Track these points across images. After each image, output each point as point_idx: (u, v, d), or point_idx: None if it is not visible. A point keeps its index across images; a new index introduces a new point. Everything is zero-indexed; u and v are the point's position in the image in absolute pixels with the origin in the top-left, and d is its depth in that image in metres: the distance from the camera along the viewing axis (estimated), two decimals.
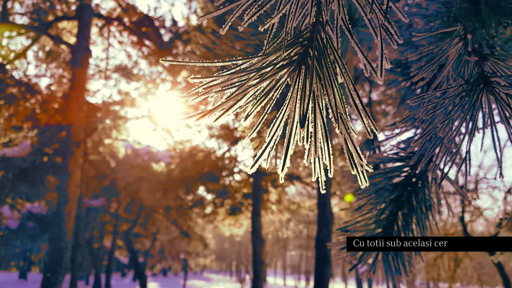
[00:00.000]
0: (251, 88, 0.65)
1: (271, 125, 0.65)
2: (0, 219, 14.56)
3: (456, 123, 1.09)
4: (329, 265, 10.51)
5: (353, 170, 0.60)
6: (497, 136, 1.01)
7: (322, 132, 0.61)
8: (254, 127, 0.62)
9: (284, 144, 0.61)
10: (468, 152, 1.06)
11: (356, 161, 0.61)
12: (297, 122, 0.62)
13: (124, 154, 15.33)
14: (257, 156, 0.61)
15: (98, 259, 18.53)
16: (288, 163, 0.61)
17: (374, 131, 0.62)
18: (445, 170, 1.21)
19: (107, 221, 18.97)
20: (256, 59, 0.67)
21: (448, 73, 1.21)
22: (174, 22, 14.15)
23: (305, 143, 0.61)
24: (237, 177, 18.51)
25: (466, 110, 1.07)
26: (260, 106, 0.63)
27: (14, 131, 12.21)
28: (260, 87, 0.66)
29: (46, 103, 12.25)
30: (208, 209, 19.01)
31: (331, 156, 0.61)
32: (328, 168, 0.61)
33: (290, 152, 0.60)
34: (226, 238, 47.74)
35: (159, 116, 15.90)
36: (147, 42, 13.89)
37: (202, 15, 0.67)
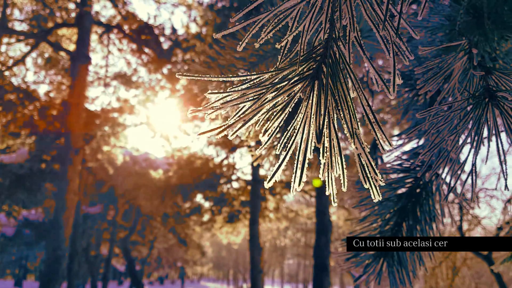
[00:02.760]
0: (267, 103, 0.66)
1: (285, 140, 0.66)
2: None
3: (462, 136, 1.10)
4: (328, 273, 10.47)
5: (366, 183, 0.61)
6: (503, 149, 1.02)
7: (336, 147, 0.62)
8: (265, 142, 0.63)
9: (300, 158, 0.62)
10: (474, 164, 1.08)
11: (370, 176, 0.62)
12: (313, 137, 0.62)
13: (122, 161, 15.30)
14: (272, 172, 0.62)
15: (94, 267, 18.38)
16: (304, 178, 0.62)
17: (388, 147, 0.63)
18: (451, 182, 1.22)
19: (104, 228, 18.86)
20: (269, 74, 0.68)
21: (454, 86, 1.23)
22: (174, 30, 14.23)
23: (321, 158, 0.62)
24: (235, 184, 18.49)
25: (472, 123, 1.08)
26: (278, 121, 0.64)
27: (11, 137, 12.18)
28: (276, 102, 0.67)
29: (44, 109, 12.24)
30: (206, 217, 18.94)
31: (345, 171, 0.62)
32: (342, 181, 0.62)
33: (306, 166, 0.62)
34: (223, 246, 47.50)
35: (157, 123, 15.91)
36: (146, 50, 13.95)
37: (218, 32, 0.68)
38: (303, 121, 0.64)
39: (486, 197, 10.63)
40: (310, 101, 0.65)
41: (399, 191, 1.59)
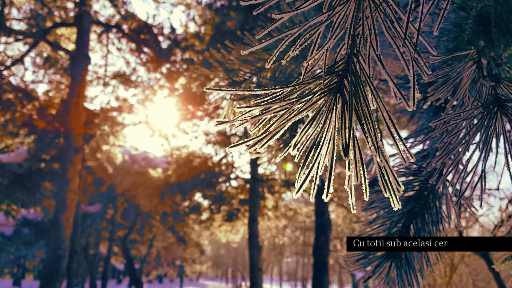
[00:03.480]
0: (293, 117, 0.69)
1: (308, 154, 0.69)
2: None
3: (472, 145, 1.13)
4: (327, 272, 10.52)
5: (387, 193, 0.64)
6: (511, 155, 1.06)
7: (359, 159, 0.65)
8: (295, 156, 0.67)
9: (328, 171, 0.65)
10: (483, 171, 1.11)
11: (392, 186, 0.65)
12: (341, 151, 0.65)
13: (122, 160, 15.31)
14: (300, 182, 0.64)
15: (94, 265, 18.39)
16: (331, 189, 0.65)
17: (412, 159, 0.66)
18: (461, 188, 1.25)
19: (103, 227, 18.86)
20: (291, 88, 0.71)
21: (463, 94, 1.26)
22: (173, 30, 14.22)
23: (347, 170, 0.65)
24: (234, 183, 18.51)
25: (482, 132, 1.11)
26: (306, 135, 0.67)
27: (10, 137, 12.16)
28: (301, 115, 0.69)
29: (43, 109, 12.22)
30: (205, 215, 18.96)
31: (367, 181, 0.65)
32: (364, 192, 0.65)
33: (332, 177, 0.64)
34: (222, 244, 47.54)
35: (156, 122, 15.90)
36: (145, 49, 13.94)
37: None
38: (328, 134, 0.67)
39: (484, 195, 10.68)
40: (333, 115, 0.68)
41: (407, 194, 1.62)
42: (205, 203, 18.52)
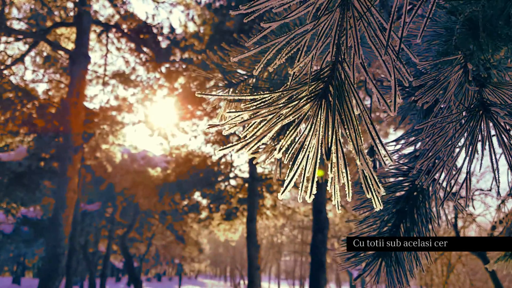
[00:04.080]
0: (280, 121, 0.73)
1: (295, 157, 0.72)
2: None
3: (457, 147, 1.17)
4: (324, 270, 10.56)
5: (369, 194, 0.68)
6: (495, 159, 1.09)
7: (342, 162, 0.68)
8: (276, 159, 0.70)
9: (309, 173, 0.69)
10: (468, 172, 1.15)
11: (373, 188, 0.68)
12: (323, 154, 0.69)
13: (121, 159, 15.34)
14: (285, 184, 0.68)
15: (93, 264, 18.42)
16: (314, 191, 0.68)
17: (390, 162, 0.70)
18: (447, 187, 1.29)
19: (102, 225, 18.88)
20: (279, 93, 0.75)
21: (450, 98, 1.30)
22: (172, 29, 14.24)
23: (329, 172, 0.68)
24: (233, 182, 18.56)
25: (467, 135, 1.15)
26: (291, 138, 0.70)
27: (10, 135, 12.18)
28: (287, 121, 0.73)
29: (43, 108, 12.25)
30: (204, 214, 19.00)
31: (349, 183, 0.69)
32: (347, 192, 0.69)
33: (315, 180, 0.68)
34: (220, 243, 47.62)
35: (155, 121, 15.92)
36: (145, 49, 13.96)
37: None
38: (313, 138, 0.71)
39: (481, 195, 10.74)
40: (319, 119, 0.71)
41: (397, 194, 1.66)
42: (204, 202, 18.58)
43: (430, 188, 1.59)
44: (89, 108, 13.40)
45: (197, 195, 18.32)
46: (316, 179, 0.68)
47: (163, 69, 14.53)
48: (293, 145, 0.72)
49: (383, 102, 0.74)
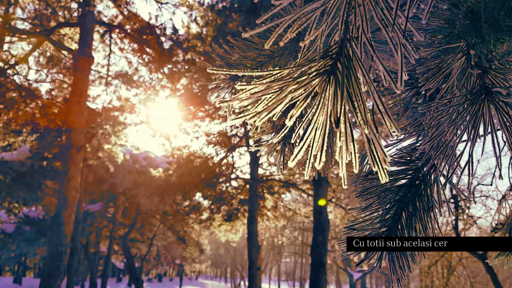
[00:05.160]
0: (290, 94, 0.76)
1: (307, 127, 0.75)
2: None
3: (459, 130, 1.20)
4: (325, 271, 10.55)
5: (375, 166, 0.70)
6: (497, 141, 1.12)
7: (349, 132, 0.72)
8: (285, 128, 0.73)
9: (320, 141, 0.72)
10: (470, 155, 1.17)
11: (379, 158, 0.71)
12: (333, 123, 0.72)
13: (123, 159, 15.38)
14: (295, 153, 0.71)
15: (94, 264, 18.43)
16: (323, 158, 0.71)
17: (397, 132, 0.73)
18: (449, 172, 1.32)
19: (104, 225, 18.89)
20: (289, 69, 0.78)
21: (453, 84, 1.33)
22: (175, 30, 14.30)
23: (337, 141, 0.71)
24: (234, 183, 18.58)
25: (469, 118, 1.18)
26: (300, 110, 0.73)
27: (13, 135, 12.23)
28: (297, 94, 0.76)
29: (46, 108, 12.30)
30: (205, 215, 19.02)
31: (356, 153, 0.72)
32: (354, 164, 0.72)
33: (324, 148, 0.71)
34: (221, 244, 47.60)
35: (158, 122, 15.98)
36: (147, 50, 14.02)
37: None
38: (322, 112, 0.74)
39: (482, 197, 10.73)
40: (327, 93, 0.75)
41: (400, 183, 1.69)
42: (205, 202, 18.59)
43: (432, 177, 1.62)
44: (92, 108, 13.45)
45: (198, 196, 18.36)
46: (325, 148, 0.71)
47: (165, 70, 14.60)
48: (303, 114, 0.74)
49: (389, 79, 0.77)
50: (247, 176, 17.42)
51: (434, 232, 1.65)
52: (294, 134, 0.77)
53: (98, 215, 16.37)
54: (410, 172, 1.72)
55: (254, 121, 0.73)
